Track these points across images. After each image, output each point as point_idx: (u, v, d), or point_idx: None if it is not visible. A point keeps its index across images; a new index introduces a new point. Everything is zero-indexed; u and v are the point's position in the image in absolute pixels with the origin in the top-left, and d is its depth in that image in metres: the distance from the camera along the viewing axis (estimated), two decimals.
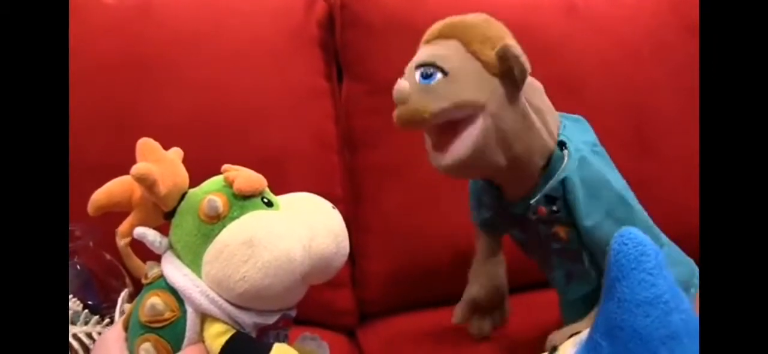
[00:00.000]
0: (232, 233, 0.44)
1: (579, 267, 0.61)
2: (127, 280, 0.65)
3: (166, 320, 0.44)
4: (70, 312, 0.55)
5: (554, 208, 0.58)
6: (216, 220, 0.44)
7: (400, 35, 0.82)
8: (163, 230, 0.50)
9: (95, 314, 0.57)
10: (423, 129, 0.58)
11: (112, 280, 0.63)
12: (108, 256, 0.64)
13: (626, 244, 0.33)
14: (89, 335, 0.55)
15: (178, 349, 0.44)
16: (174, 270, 0.45)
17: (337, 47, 0.92)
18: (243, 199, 0.45)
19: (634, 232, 0.34)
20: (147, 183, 0.45)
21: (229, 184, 0.46)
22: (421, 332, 0.79)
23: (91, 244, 0.64)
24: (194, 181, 0.52)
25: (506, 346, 0.71)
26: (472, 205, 0.69)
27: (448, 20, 0.58)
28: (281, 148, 0.83)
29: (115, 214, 0.64)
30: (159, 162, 0.47)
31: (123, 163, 0.78)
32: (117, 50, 0.82)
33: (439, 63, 0.54)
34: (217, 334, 0.44)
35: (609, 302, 0.33)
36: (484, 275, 0.70)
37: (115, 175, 0.76)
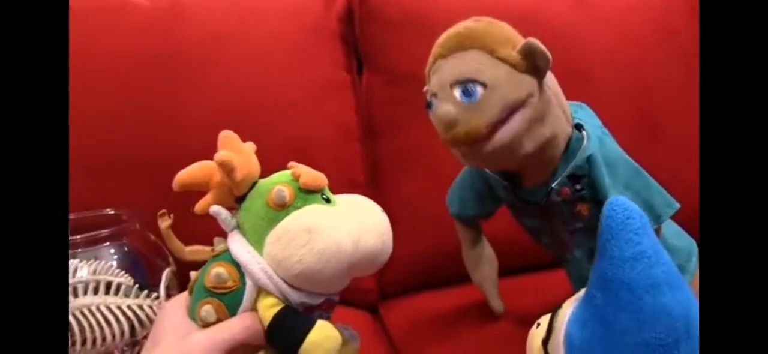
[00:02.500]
0: (294, 220, 0.48)
1: None
2: (170, 260, 0.70)
3: (227, 288, 0.49)
4: (123, 286, 0.59)
5: (578, 187, 0.60)
6: (282, 208, 0.49)
7: (416, 28, 0.88)
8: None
9: (144, 289, 0.61)
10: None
11: (157, 260, 0.67)
12: (153, 238, 0.68)
13: (615, 210, 0.37)
14: (140, 307, 0.60)
15: (234, 314, 0.49)
16: (240, 247, 0.49)
17: (357, 41, 0.95)
18: (306, 193, 0.50)
19: (622, 199, 0.38)
20: (227, 168, 0.49)
21: (296, 178, 0.50)
22: (439, 309, 0.82)
23: (137, 226, 0.68)
24: None
25: (520, 320, 0.73)
26: (460, 201, 0.72)
27: (459, 31, 0.58)
28: (306, 137, 0.87)
29: (155, 201, 0.69)
30: (237, 152, 0.51)
31: (158, 155, 0.83)
32: (150, 49, 0.85)
33: (477, 77, 0.55)
34: (270, 306, 0.49)
35: (601, 260, 0.38)
36: (484, 255, 0.74)
37: (151, 166, 0.81)
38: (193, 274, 0.54)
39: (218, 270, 0.49)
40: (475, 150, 0.56)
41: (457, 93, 0.55)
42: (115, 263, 0.62)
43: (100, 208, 0.72)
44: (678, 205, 0.60)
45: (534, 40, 0.56)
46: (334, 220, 0.49)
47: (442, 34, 0.60)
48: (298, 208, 0.49)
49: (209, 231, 0.74)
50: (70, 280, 0.58)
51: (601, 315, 0.38)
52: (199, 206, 0.52)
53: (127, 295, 0.60)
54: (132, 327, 0.59)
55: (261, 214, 0.49)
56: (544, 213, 0.64)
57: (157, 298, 0.62)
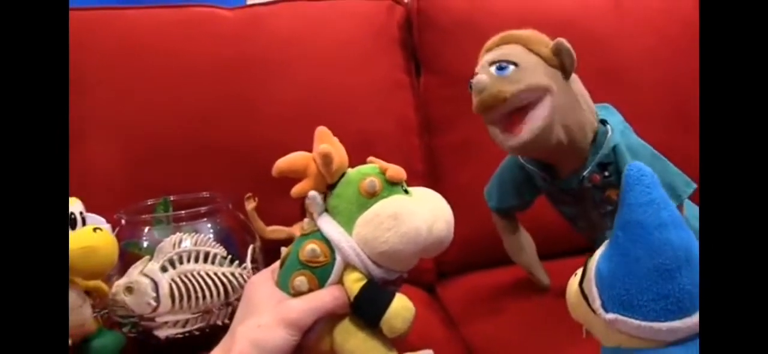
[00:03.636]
0: (382, 207, 0.55)
1: None
2: (256, 236, 0.79)
3: (319, 263, 0.55)
4: (219, 257, 0.69)
5: (606, 173, 0.68)
6: (371, 196, 0.55)
7: (469, 34, 0.94)
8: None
9: (234, 261, 0.71)
10: (499, 112, 0.64)
11: (245, 236, 0.76)
12: (241, 217, 0.78)
13: (632, 169, 0.47)
14: (232, 274, 0.69)
15: (323, 285, 0.56)
16: (331, 227, 0.56)
17: (415, 46, 1.03)
18: (391, 185, 0.57)
19: (638, 164, 0.47)
20: (327, 161, 0.56)
21: (383, 171, 0.57)
22: (491, 286, 0.88)
23: (230, 206, 0.77)
24: None
25: (563, 292, 0.80)
26: (499, 194, 0.78)
27: (504, 34, 0.67)
28: (370, 132, 0.94)
29: (243, 186, 0.78)
30: (332, 145, 0.57)
31: (243, 146, 0.94)
32: (235, 53, 0.95)
33: (511, 58, 0.63)
34: (356, 280, 0.55)
35: (622, 207, 0.47)
36: (523, 242, 0.81)
37: (239, 155, 0.91)
38: (284, 249, 0.61)
39: (313, 246, 0.55)
40: (515, 141, 0.64)
41: (492, 68, 0.64)
42: (211, 236, 0.72)
43: (197, 191, 0.82)
44: (695, 185, 0.67)
45: (563, 40, 0.64)
46: (414, 208, 0.55)
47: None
48: (384, 197, 0.56)
49: (286, 214, 0.84)
50: (176, 250, 0.68)
51: (621, 249, 0.47)
52: (297, 190, 0.58)
53: (221, 265, 0.70)
54: (226, 291, 0.69)
55: (353, 200, 0.56)
56: (579, 199, 0.72)
57: (245, 268, 0.72)
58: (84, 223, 0.67)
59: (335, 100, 0.96)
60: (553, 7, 0.95)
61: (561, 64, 0.65)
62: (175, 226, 0.72)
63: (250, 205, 0.82)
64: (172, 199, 0.80)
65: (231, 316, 0.62)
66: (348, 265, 0.56)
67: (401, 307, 0.55)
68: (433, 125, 1.02)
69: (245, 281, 0.69)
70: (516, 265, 0.84)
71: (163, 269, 0.67)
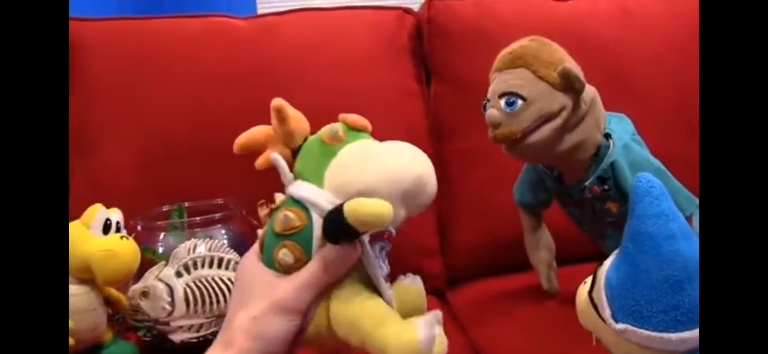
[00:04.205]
0: (350, 149, 0.51)
1: None
2: None
3: (296, 228, 0.49)
4: (232, 262, 0.70)
5: (606, 187, 0.70)
6: (337, 142, 0.51)
7: (478, 43, 0.96)
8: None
9: None
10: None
11: None
12: (254, 222, 0.79)
13: (641, 181, 0.48)
14: None
15: (309, 250, 0.50)
16: (300, 188, 0.51)
17: (425, 54, 1.04)
18: (355, 132, 0.53)
19: (647, 175, 0.48)
20: (282, 115, 0.54)
21: (343, 121, 0.53)
22: (501, 293, 0.89)
23: (244, 212, 0.79)
24: None
25: (571, 298, 0.81)
26: (520, 190, 0.82)
27: (513, 51, 0.69)
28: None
29: (257, 194, 0.79)
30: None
31: (260, 151, 0.93)
32: (248, 60, 0.97)
33: (519, 91, 0.66)
34: None
35: (631, 218, 0.48)
36: (542, 241, 0.83)
37: (252, 162, 0.91)
38: (259, 231, 0.57)
39: (285, 213, 0.50)
40: (514, 147, 0.68)
41: (502, 102, 0.67)
42: (225, 242, 0.73)
43: (212, 197, 0.83)
44: (697, 201, 0.68)
45: (568, 67, 0.66)
46: (385, 146, 0.52)
47: (503, 49, 0.71)
48: (352, 141, 0.51)
49: None
50: (191, 255, 0.69)
51: (631, 260, 0.48)
52: (260, 161, 0.55)
53: (235, 270, 0.69)
54: None
55: (317, 151, 0.51)
56: (581, 205, 0.74)
57: None
58: (118, 231, 0.69)
59: (346, 108, 0.91)
60: (561, 15, 0.96)
61: (569, 86, 0.67)
62: (190, 232, 0.74)
63: (264, 211, 0.83)
64: (186, 205, 0.82)
65: None
66: None
67: (359, 199, 0.48)
68: (442, 132, 1.03)
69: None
70: (525, 272, 0.85)
71: (178, 274, 0.69)
